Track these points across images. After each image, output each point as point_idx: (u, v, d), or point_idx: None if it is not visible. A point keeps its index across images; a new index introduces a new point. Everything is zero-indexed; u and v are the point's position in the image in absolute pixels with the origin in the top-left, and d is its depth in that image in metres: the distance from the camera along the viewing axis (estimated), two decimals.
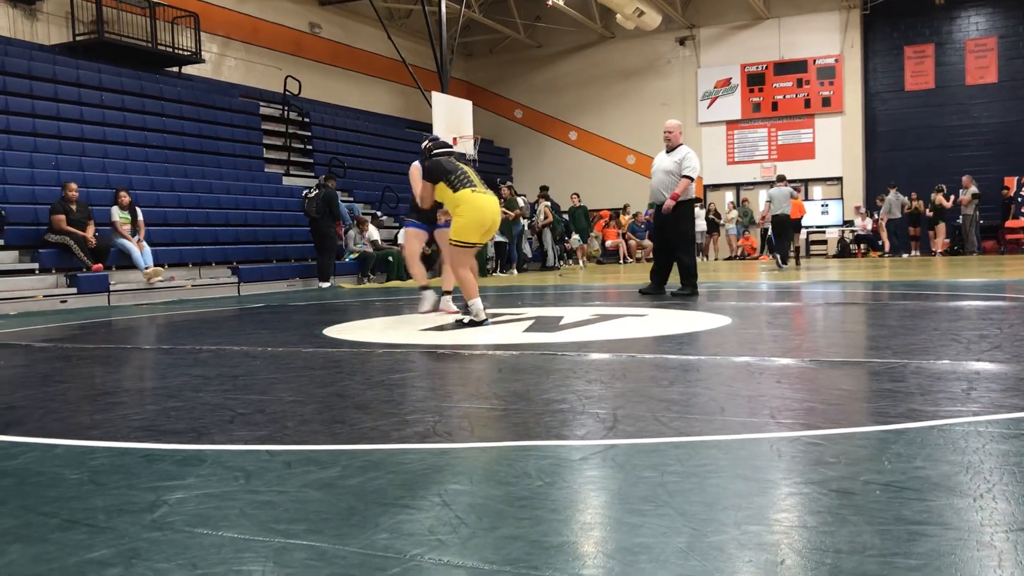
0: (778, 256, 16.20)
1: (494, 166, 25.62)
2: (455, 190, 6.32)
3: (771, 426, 2.76)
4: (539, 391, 3.53)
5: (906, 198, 21.13)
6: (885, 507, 1.90)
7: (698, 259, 22.49)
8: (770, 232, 17.82)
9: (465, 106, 19.00)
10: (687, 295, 8.79)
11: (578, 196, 21.48)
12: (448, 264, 6.93)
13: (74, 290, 10.82)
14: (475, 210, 6.28)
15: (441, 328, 6.28)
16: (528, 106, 27.18)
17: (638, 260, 22.98)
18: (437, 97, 17.90)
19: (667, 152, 9.09)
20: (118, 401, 3.71)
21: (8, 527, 1.98)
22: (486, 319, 6.32)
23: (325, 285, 14.21)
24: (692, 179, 8.89)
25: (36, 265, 10.89)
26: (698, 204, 23.00)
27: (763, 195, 18.49)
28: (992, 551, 1.63)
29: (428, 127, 19.39)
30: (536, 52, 26.80)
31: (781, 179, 17.07)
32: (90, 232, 11.15)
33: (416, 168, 7.10)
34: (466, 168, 6.53)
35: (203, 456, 2.60)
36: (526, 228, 19.00)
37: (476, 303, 6.30)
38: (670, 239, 9.10)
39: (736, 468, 2.28)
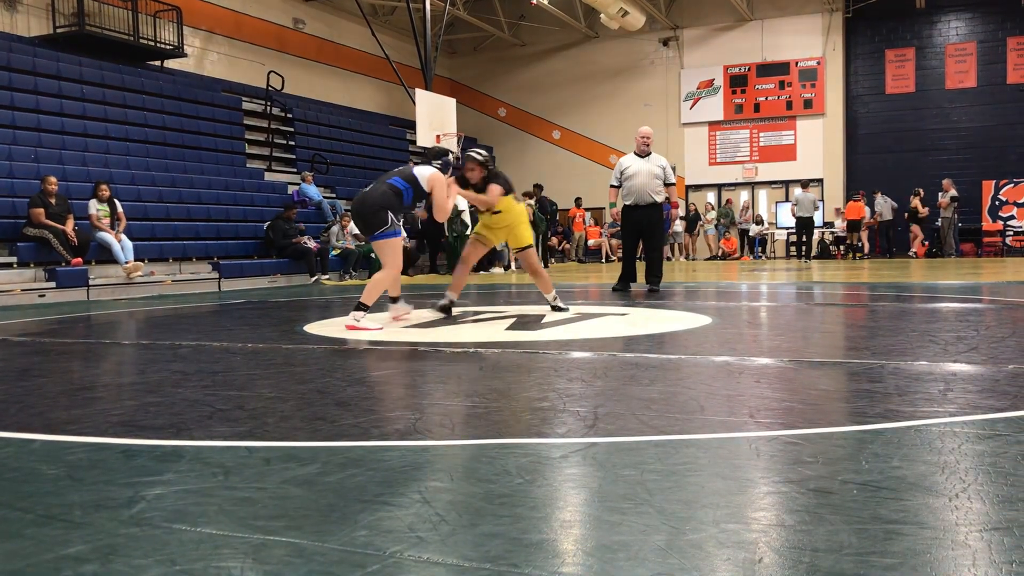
0: (804, 255, 19.45)
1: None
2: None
3: (750, 425, 2.77)
4: (520, 389, 3.53)
5: (892, 201, 21.32)
6: (862, 506, 1.92)
7: (680, 259, 22.74)
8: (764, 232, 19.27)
9: (449, 104, 18.98)
10: (655, 291, 9.56)
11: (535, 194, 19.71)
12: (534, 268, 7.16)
13: (53, 284, 10.73)
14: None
15: (422, 325, 6.27)
16: (512, 104, 27.18)
17: (619, 259, 23.04)
18: (421, 94, 17.87)
19: (641, 156, 9.66)
20: (96, 396, 3.69)
21: None
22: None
23: (312, 280, 14.29)
24: (675, 184, 9.75)
25: (14, 259, 10.79)
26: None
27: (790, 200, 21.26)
28: (967, 550, 1.65)
29: (412, 124, 19.37)
30: (520, 51, 26.81)
31: (806, 186, 20.02)
32: (70, 226, 11.06)
33: (441, 177, 6.55)
34: None
35: (182, 452, 2.58)
36: None
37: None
38: (648, 237, 9.83)
39: (715, 467, 2.29)
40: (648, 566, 1.60)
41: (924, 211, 20.64)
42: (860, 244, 21.46)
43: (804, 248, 19.75)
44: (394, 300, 6.79)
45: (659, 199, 9.58)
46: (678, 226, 22.85)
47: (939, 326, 5.64)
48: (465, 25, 25.38)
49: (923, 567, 1.57)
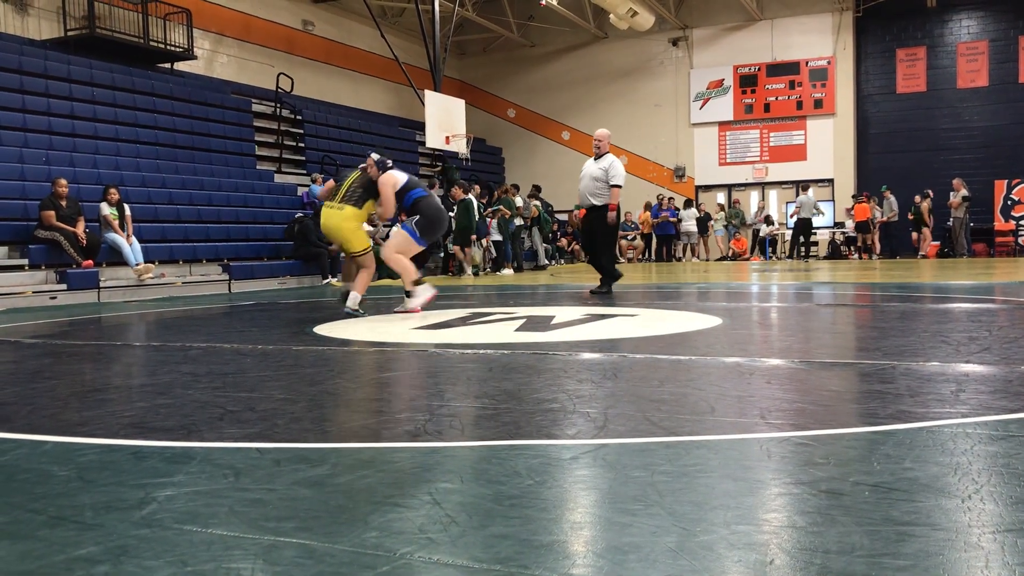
0: (804, 256, 20.32)
1: (487, 165, 25.62)
2: None
3: (761, 426, 2.76)
4: (530, 390, 3.53)
5: (893, 199, 21.26)
6: (874, 508, 1.91)
7: (693, 259, 22.70)
8: (767, 233, 21.01)
9: (458, 105, 18.99)
10: (604, 292, 9.48)
11: (463, 188, 16.83)
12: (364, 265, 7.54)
13: (64, 286, 10.77)
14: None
15: (432, 327, 6.28)
16: (521, 105, 27.18)
17: (629, 260, 23.01)
18: (430, 96, 17.89)
19: (595, 159, 9.68)
20: (107, 398, 3.70)
21: None
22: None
23: (324, 281, 14.38)
24: (620, 187, 9.55)
25: (26, 261, 10.84)
26: (690, 205, 23.13)
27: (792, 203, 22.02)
28: (980, 552, 1.64)
29: (421, 126, 19.39)
30: (529, 52, 26.80)
31: (806, 187, 21.05)
32: (80, 228, 11.10)
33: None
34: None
35: (192, 453, 2.59)
36: (527, 227, 19.05)
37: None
38: (597, 241, 9.81)
39: (726, 468, 2.28)
40: (659, 568, 1.59)
41: (929, 220, 20.63)
42: (870, 245, 21.38)
43: (805, 249, 20.61)
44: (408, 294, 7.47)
45: (598, 202, 9.56)
46: (691, 226, 22.81)
47: (951, 327, 5.61)
48: (474, 26, 25.40)
49: (935, 569, 1.56)
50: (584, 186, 9.56)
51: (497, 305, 8.34)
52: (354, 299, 7.39)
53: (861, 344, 5.17)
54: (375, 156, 7.37)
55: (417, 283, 7.40)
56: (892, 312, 6.85)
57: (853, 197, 21.91)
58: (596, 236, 9.76)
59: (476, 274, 16.24)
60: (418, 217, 7.21)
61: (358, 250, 7.49)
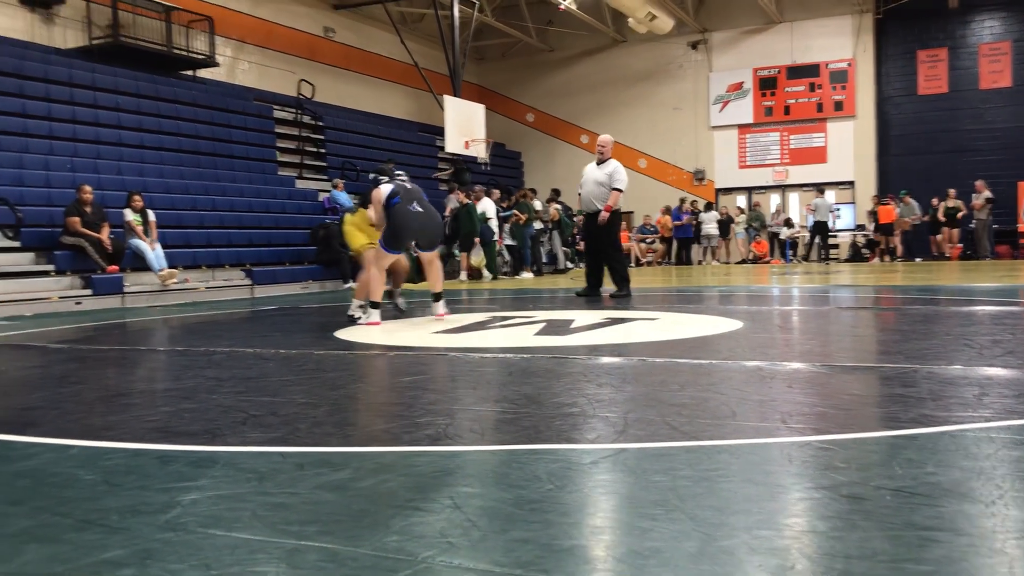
0: (823, 258, 20.61)
1: (506, 169, 25.65)
2: None
3: (782, 431, 2.76)
4: (550, 394, 3.53)
5: (915, 203, 21.08)
6: (896, 513, 1.90)
7: (713, 263, 22.63)
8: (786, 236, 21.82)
9: (477, 110, 19.03)
10: (624, 296, 9.46)
11: (465, 192, 16.62)
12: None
13: (89, 292, 10.89)
14: None
15: (452, 331, 6.30)
16: (540, 110, 27.19)
17: (648, 263, 22.95)
18: (449, 101, 17.94)
19: (598, 164, 9.73)
20: (132, 402, 3.74)
21: (24, 527, 2.01)
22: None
23: (345, 285, 14.48)
24: (622, 191, 9.55)
25: (52, 267, 10.96)
26: (711, 208, 23.06)
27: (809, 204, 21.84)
28: (1004, 558, 1.63)
29: (440, 131, 19.43)
30: (548, 56, 26.81)
31: (822, 191, 21.21)
32: (105, 234, 11.22)
33: None
34: None
35: (216, 457, 2.62)
36: (548, 231, 19.06)
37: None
38: (602, 246, 9.81)
39: (747, 473, 2.28)
40: (680, 573, 1.60)
41: (943, 221, 20.49)
42: (893, 247, 21.21)
43: (824, 251, 20.71)
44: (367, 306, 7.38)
45: (603, 207, 9.58)
46: (712, 229, 22.71)
47: (974, 329, 5.57)
48: (493, 31, 25.44)
49: (959, 575, 1.55)
50: (588, 191, 9.60)
51: (516, 309, 8.34)
52: (354, 304, 7.54)
53: (883, 347, 5.14)
54: (371, 175, 7.56)
55: (374, 305, 7.09)
56: (914, 315, 6.80)
57: (875, 198, 21.73)
58: (599, 241, 9.80)
59: (473, 278, 16.10)
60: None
61: (355, 248, 7.84)
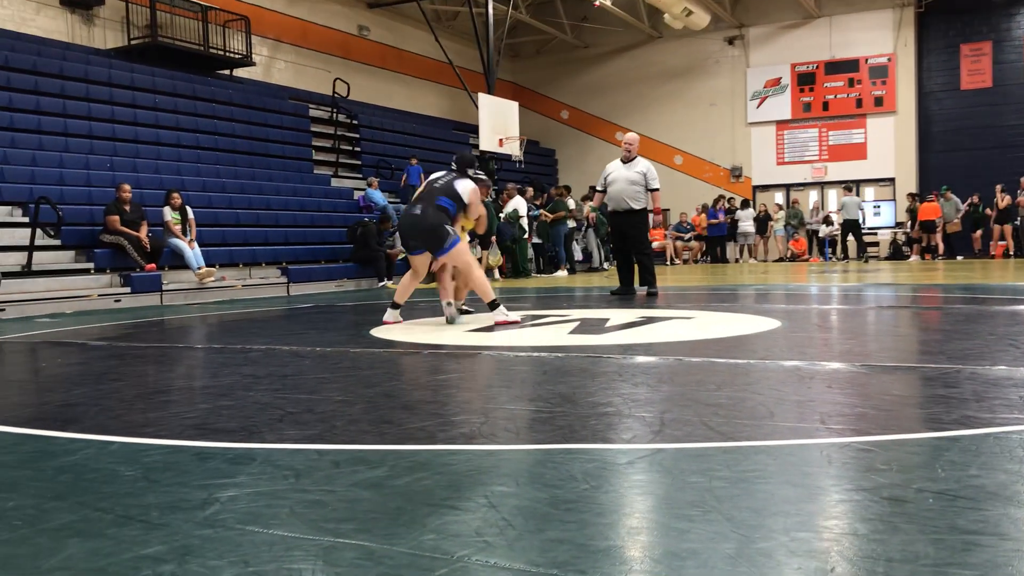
0: (847, 255, 20.80)
1: (540, 167, 25.63)
2: None
3: (821, 432, 2.72)
4: (584, 394, 3.52)
5: (957, 200, 20.71)
6: (939, 516, 1.87)
7: (750, 260, 22.44)
8: (821, 234, 21.87)
9: (511, 107, 19.02)
10: (655, 293, 9.51)
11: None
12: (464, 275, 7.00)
13: (128, 289, 11.04)
14: None
15: (486, 330, 6.30)
16: (575, 107, 27.13)
17: (684, 261, 22.81)
18: (483, 98, 17.95)
19: (624, 163, 9.76)
20: (171, 399, 3.78)
21: (66, 522, 2.03)
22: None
23: (380, 284, 14.54)
24: (659, 190, 9.76)
25: (91, 265, 11.13)
26: (747, 206, 22.85)
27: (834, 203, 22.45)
28: None
29: (474, 129, 19.45)
30: (583, 53, 26.74)
31: (850, 189, 21.19)
32: (143, 232, 11.37)
33: (477, 189, 6.88)
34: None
35: (254, 455, 2.64)
36: (581, 229, 19.03)
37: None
38: (632, 244, 9.84)
39: (785, 474, 2.25)
40: (717, 574, 1.58)
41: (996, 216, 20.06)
42: (935, 245, 20.88)
43: (860, 249, 20.55)
44: (394, 307, 7.02)
45: (636, 206, 9.60)
46: (748, 227, 22.54)
47: (1019, 329, 5.46)
48: (527, 28, 25.42)
49: None
50: (619, 189, 9.59)
51: (551, 308, 8.33)
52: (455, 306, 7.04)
53: (924, 347, 5.06)
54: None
55: (394, 306, 7.00)
56: (956, 314, 6.69)
57: (910, 196, 21.42)
58: (628, 239, 9.82)
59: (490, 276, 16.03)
60: None
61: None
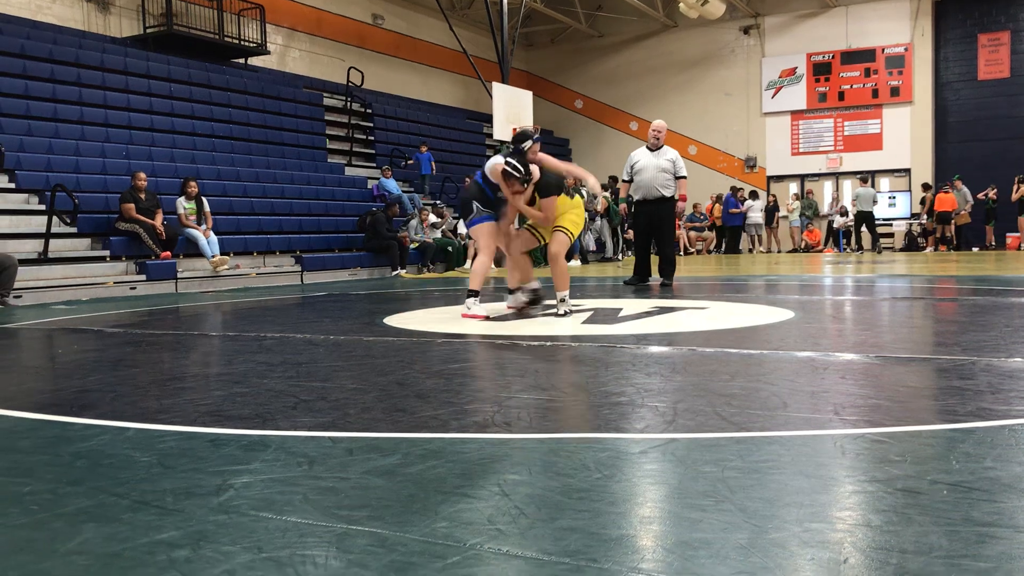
0: (861, 246, 20.59)
1: (554, 157, 25.55)
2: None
3: (835, 423, 2.71)
4: (597, 383, 3.52)
5: (967, 190, 20.55)
6: (953, 507, 1.86)
7: (760, 251, 22.35)
8: (838, 225, 22.05)
9: (525, 96, 18.98)
10: (670, 285, 9.48)
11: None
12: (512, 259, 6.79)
13: (143, 277, 11.10)
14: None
15: (499, 319, 6.30)
16: (589, 96, 27.04)
17: (698, 252, 22.75)
18: (498, 88, 17.92)
19: (651, 150, 9.63)
20: (186, 386, 3.80)
21: (83, 507, 2.05)
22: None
23: (393, 273, 14.57)
24: (686, 178, 9.72)
25: (107, 252, 11.20)
26: (755, 197, 22.74)
27: (848, 194, 22.37)
28: None
29: (488, 118, 19.44)
30: (597, 42, 26.64)
31: (865, 180, 20.94)
32: (159, 220, 11.42)
33: (498, 167, 6.40)
34: None
35: (268, 441, 2.65)
36: (597, 219, 18.99)
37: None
38: (660, 235, 9.75)
39: (798, 465, 2.25)
40: (730, 564, 1.58)
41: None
42: (950, 236, 20.74)
43: (874, 240, 20.56)
44: (511, 291, 6.79)
45: (668, 193, 9.52)
46: (758, 217, 22.46)
47: None
48: (542, 17, 25.34)
49: (1020, 572, 1.51)
50: (651, 177, 9.47)
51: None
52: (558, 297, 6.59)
53: (939, 339, 5.03)
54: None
55: (472, 293, 6.57)
56: (972, 306, 6.65)
57: (925, 186, 21.28)
58: (655, 228, 9.73)
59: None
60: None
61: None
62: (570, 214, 6.45)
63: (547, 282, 6.80)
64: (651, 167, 9.50)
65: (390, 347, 4.89)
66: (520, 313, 6.60)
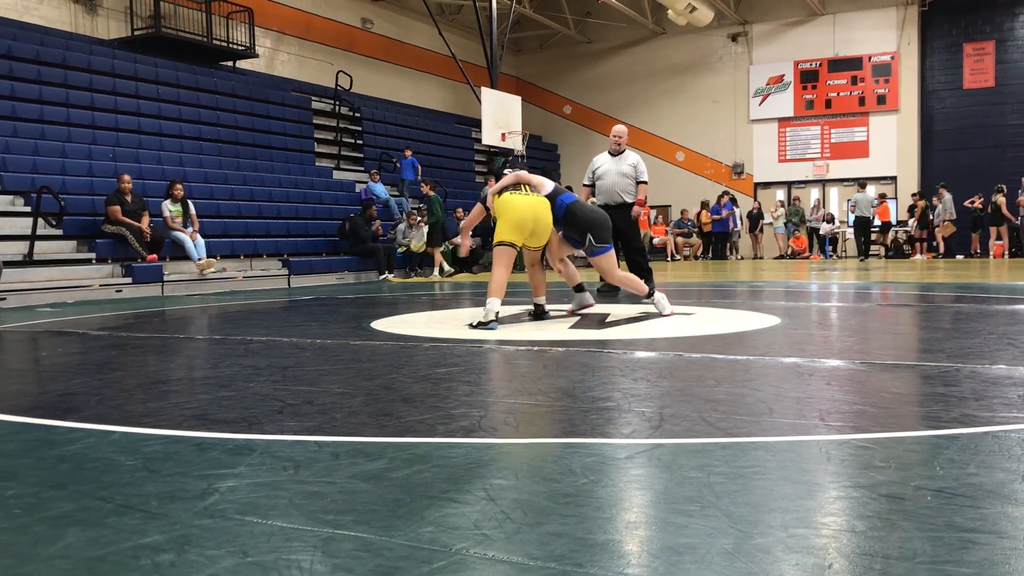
0: (867, 254, 20.20)
1: (542, 162, 25.58)
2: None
3: (820, 428, 2.73)
4: (584, 388, 3.52)
5: (949, 198, 20.68)
6: (936, 513, 1.87)
7: (740, 257, 22.41)
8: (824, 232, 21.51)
9: (514, 102, 19.01)
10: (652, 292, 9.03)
11: (429, 184, 16.52)
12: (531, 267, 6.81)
13: (129, 280, 11.05)
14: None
15: (488, 325, 6.29)
16: (577, 102, 27.10)
17: (685, 257, 22.80)
18: (486, 93, 17.93)
19: (612, 155, 9.51)
20: (171, 390, 3.79)
21: (66, 511, 2.04)
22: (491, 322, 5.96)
23: (380, 277, 14.53)
24: (647, 183, 9.52)
25: (93, 255, 11.14)
26: (734, 203, 22.86)
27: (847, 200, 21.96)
28: None
29: (477, 123, 19.45)
30: (586, 48, 26.71)
31: (863, 186, 20.54)
32: (145, 223, 11.37)
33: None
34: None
35: (253, 445, 2.64)
36: None
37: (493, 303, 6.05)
38: (625, 241, 9.51)
39: (783, 470, 2.25)
40: (714, 569, 1.58)
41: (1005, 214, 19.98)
42: (936, 244, 20.88)
43: (865, 247, 20.27)
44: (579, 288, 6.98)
45: (629, 199, 9.39)
46: (735, 224, 22.61)
47: (1018, 328, 5.46)
48: (531, 23, 25.39)
49: None
50: (612, 183, 9.35)
51: (551, 302, 8.32)
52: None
53: (924, 345, 5.06)
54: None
55: (578, 288, 6.95)
56: (956, 313, 6.69)
57: (915, 196, 21.42)
58: (624, 232, 9.40)
59: (441, 273, 15.68)
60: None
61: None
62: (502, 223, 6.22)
63: (525, 288, 6.81)
64: (612, 172, 9.40)
65: (377, 351, 4.88)
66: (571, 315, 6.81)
